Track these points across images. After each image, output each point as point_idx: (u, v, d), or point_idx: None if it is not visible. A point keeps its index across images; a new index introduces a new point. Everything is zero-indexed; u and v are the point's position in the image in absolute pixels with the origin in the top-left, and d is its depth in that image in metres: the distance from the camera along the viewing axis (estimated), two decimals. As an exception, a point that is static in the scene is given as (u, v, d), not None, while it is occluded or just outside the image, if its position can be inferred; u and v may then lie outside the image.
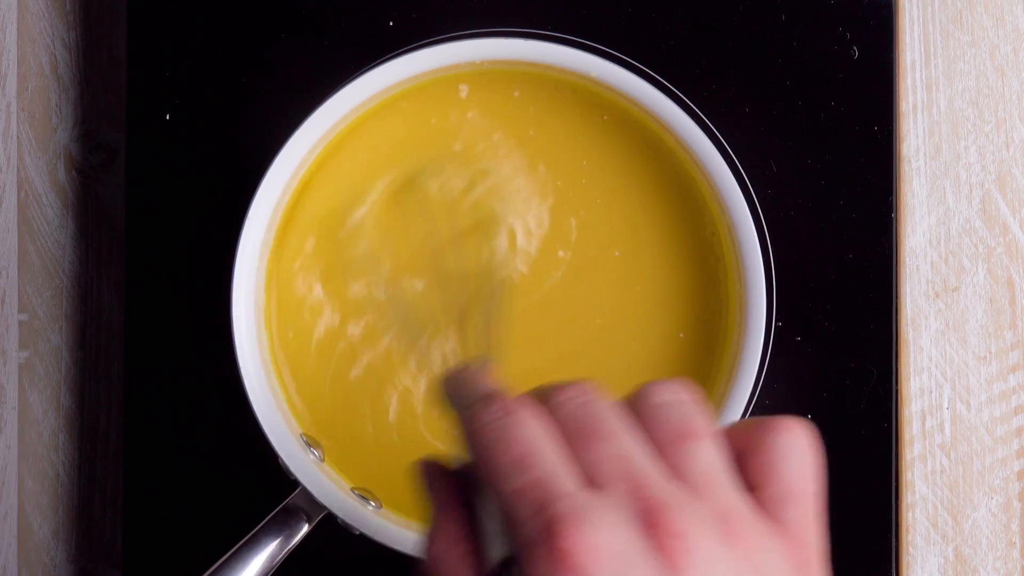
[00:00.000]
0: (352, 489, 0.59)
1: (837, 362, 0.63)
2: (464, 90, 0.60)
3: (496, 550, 0.41)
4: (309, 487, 0.57)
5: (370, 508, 0.58)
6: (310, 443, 0.59)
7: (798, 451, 0.41)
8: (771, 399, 0.63)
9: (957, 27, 0.65)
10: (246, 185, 0.63)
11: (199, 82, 0.63)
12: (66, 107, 0.65)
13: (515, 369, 0.59)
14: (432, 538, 0.42)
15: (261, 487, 0.63)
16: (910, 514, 0.65)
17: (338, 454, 0.60)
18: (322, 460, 0.59)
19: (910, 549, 0.65)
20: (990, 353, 0.65)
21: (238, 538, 0.60)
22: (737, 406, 0.58)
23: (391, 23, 0.63)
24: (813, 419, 0.63)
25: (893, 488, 0.63)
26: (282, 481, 0.61)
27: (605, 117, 0.60)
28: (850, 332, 0.63)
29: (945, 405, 0.65)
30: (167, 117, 0.63)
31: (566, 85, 0.59)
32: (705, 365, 0.60)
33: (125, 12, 0.64)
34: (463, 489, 0.43)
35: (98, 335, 0.65)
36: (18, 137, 0.65)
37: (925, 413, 0.65)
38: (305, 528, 0.57)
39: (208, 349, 0.63)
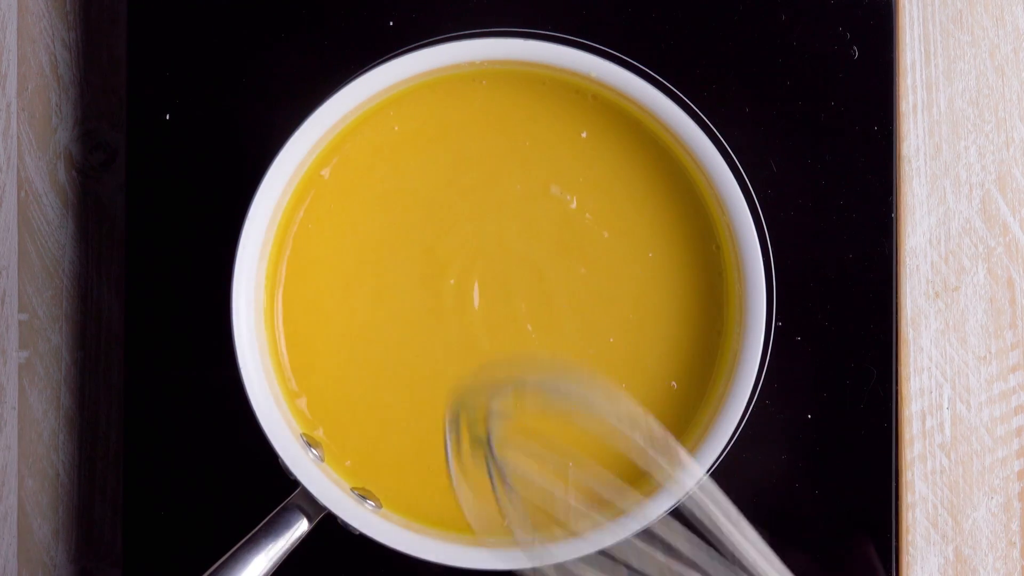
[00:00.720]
0: (352, 489, 0.59)
1: (837, 362, 0.63)
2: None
3: None
4: (309, 487, 0.57)
5: (369, 508, 0.58)
6: (310, 443, 0.59)
7: None
8: (771, 399, 0.63)
9: (957, 27, 0.65)
10: (246, 185, 0.63)
11: (199, 82, 0.63)
12: (66, 107, 0.65)
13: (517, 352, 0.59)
14: None
15: (261, 487, 0.63)
16: (910, 514, 0.65)
17: (339, 454, 0.60)
18: (322, 460, 0.59)
19: (910, 549, 0.65)
20: (990, 353, 0.65)
21: (238, 538, 0.60)
22: (737, 406, 0.58)
23: (391, 23, 0.63)
24: (813, 419, 0.63)
25: (893, 488, 0.63)
26: (282, 481, 0.61)
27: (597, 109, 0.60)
28: (850, 332, 0.63)
29: (945, 405, 0.65)
30: (167, 117, 0.63)
31: (565, 85, 0.59)
32: (706, 364, 0.60)
33: (125, 12, 0.64)
34: None
35: (98, 335, 0.65)
36: (18, 137, 0.66)
37: (925, 413, 0.65)
38: (305, 528, 0.57)
39: (208, 349, 0.63)
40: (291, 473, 0.58)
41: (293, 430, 0.58)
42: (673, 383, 0.60)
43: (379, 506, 0.59)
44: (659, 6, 0.63)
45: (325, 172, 0.60)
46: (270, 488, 0.63)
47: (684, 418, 0.60)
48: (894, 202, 0.63)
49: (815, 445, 0.63)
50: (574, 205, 0.60)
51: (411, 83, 0.59)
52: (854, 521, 0.63)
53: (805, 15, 0.63)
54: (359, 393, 0.60)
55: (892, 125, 0.63)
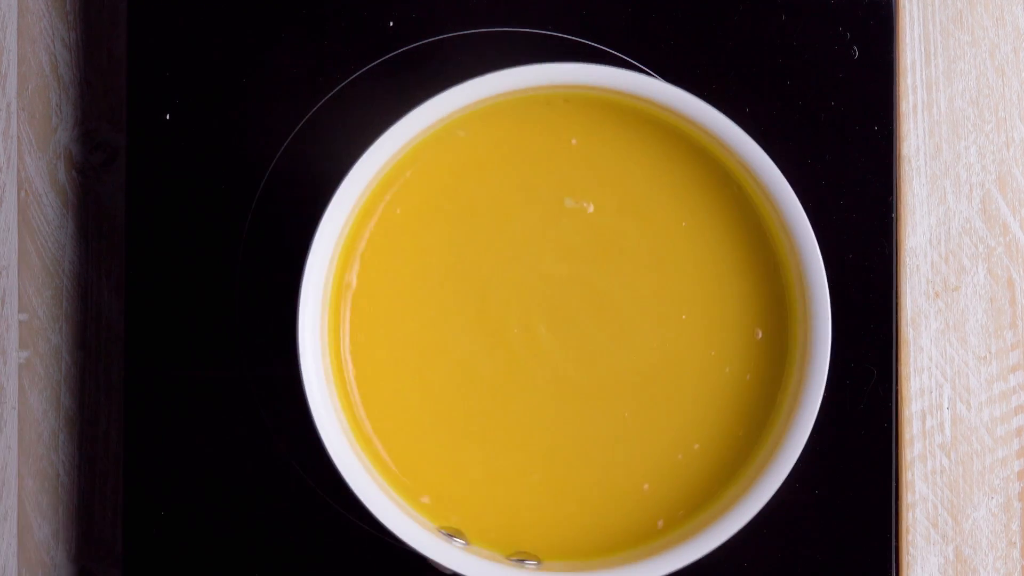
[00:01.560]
0: (439, 528, 0.59)
1: (837, 362, 0.63)
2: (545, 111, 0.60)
3: None
4: (401, 536, 0.57)
5: (459, 546, 0.58)
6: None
7: None
8: (771, 399, 0.63)
9: (957, 27, 0.65)
10: (246, 185, 0.63)
11: (199, 82, 0.63)
12: (66, 107, 0.65)
13: (597, 366, 0.59)
14: None
15: (261, 486, 0.63)
16: (910, 514, 0.65)
17: (416, 490, 0.60)
18: (468, 544, 0.59)
19: (910, 549, 0.65)
20: (990, 353, 0.65)
21: (238, 537, 0.60)
22: (815, 395, 0.58)
23: (391, 23, 0.63)
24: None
25: (893, 488, 0.63)
26: (283, 479, 0.61)
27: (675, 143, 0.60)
28: (850, 332, 0.63)
29: (945, 405, 0.65)
30: (167, 117, 0.63)
31: (623, 108, 0.59)
32: (780, 352, 0.60)
33: (125, 12, 0.64)
34: None
35: (98, 335, 0.65)
36: (18, 137, 0.66)
37: (925, 413, 0.65)
38: None
39: (208, 349, 0.63)
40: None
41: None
42: (759, 332, 0.60)
43: (467, 543, 0.59)
44: (659, 6, 0.63)
45: (361, 245, 0.60)
46: (270, 487, 0.63)
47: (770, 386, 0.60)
48: (894, 202, 0.63)
49: (815, 445, 0.63)
50: (596, 212, 0.60)
51: (483, 104, 0.59)
52: (854, 521, 0.63)
53: (805, 15, 0.63)
54: (431, 429, 0.60)
55: (892, 125, 0.63)
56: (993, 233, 0.65)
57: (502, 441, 0.60)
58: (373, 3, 0.63)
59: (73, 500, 0.65)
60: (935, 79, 0.65)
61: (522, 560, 0.59)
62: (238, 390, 0.63)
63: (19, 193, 0.66)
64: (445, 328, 0.59)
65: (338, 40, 0.63)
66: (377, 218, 0.59)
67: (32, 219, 0.65)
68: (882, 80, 0.63)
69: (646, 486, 0.59)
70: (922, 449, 0.65)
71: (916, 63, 0.65)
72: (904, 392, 0.65)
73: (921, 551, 0.65)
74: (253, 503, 0.63)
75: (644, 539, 0.60)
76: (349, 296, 0.59)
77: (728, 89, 0.63)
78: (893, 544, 0.63)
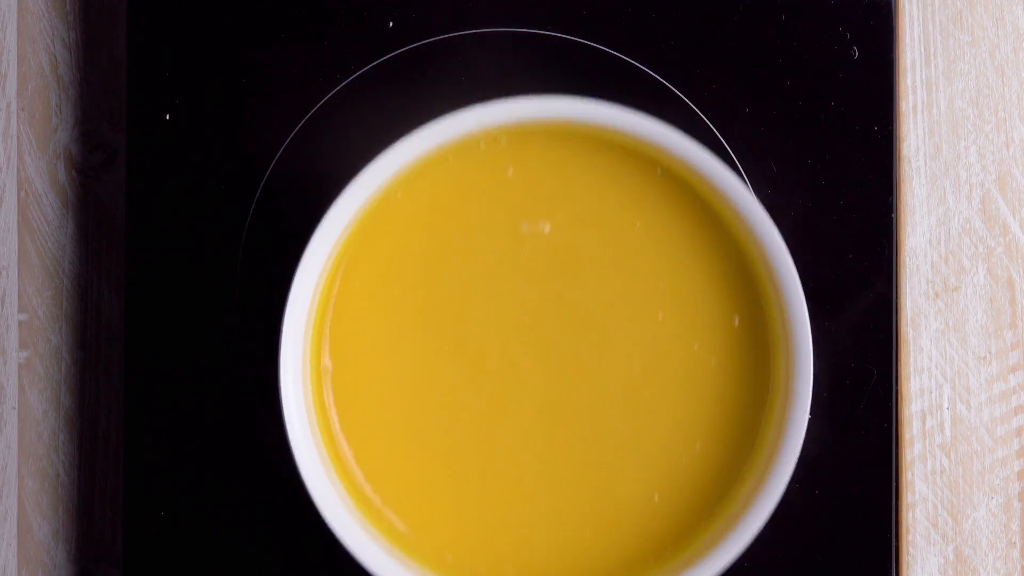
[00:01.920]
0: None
1: (837, 362, 0.63)
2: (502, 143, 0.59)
3: None
4: None
5: None
6: None
7: None
8: (771, 399, 0.63)
9: (957, 27, 0.65)
10: (246, 185, 0.63)
11: (199, 82, 0.63)
12: (66, 107, 0.65)
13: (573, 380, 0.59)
14: None
15: (261, 486, 0.63)
16: (910, 514, 0.65)
17: (463, 555, 0.60)
18: None
19: (910, 549, 0.65)
20: (990, 353, 0.65)
21: (238, 537, 0.60)
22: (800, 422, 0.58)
23: (391, 23, 0.63)
24: (813, 419, 0.63)
25: (893, 488, 0.63)
26: (282, 479, 0.61)
27: (659, 171, 0.59)
28: (850, 332, 0.63)
29: (945, 405, 0.65)
30: (167, 117, 0.63)
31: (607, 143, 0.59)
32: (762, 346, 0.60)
33: (125, 12, 0.64)
34: None
35: (98, 335, 0.65)
36: (18, 137, 0.66)
37: (925, 413, 0.65)
38: None
39: (208, 349, 0.63)
40: None
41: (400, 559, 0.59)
42: (736, 319, 0.59)
43: None
44: (659, 6, 0.63)
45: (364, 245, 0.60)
46: (270, 487, 0.63)
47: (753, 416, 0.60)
48: (894, 202, 0.63)
49: (815, 445, 0.63)
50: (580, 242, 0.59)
51: (445, 146, 0.58)
52: (854, 521, 0.63)
53: (805, 15, 0.63)
54: (437, 488, 0.59)
55: (892, 125, 0.63)
56: (993, 233, 0.65)
57: (508, 481, 0.59)
58: (373, 3, 0.63)
59: (73, 500, 0.65)
60: (935, 79, 0.65)
61: None
62: (238, 390, 0.63)
63: (19, 193, 0.66)
64: (432, 391, 0.59)
65: (338, 40, 0.63)
66: (335, 296, 0.59)
67: (32, 219, 0.65)
68: (882, 80, 0.63)
69: (656, 497, 0.59)
70: (922, 449, 0.65)
71: (916, 63, 0.65)
72: (904, 392, 0.65)
73: (921, 551, 0.65)
74: (253, 503, 0.63)
75: (663, 555, 0.59)
76: (328, 379, 0.59)
77: (728, 89, 0.63)
78: (893, 544, 0.63)
